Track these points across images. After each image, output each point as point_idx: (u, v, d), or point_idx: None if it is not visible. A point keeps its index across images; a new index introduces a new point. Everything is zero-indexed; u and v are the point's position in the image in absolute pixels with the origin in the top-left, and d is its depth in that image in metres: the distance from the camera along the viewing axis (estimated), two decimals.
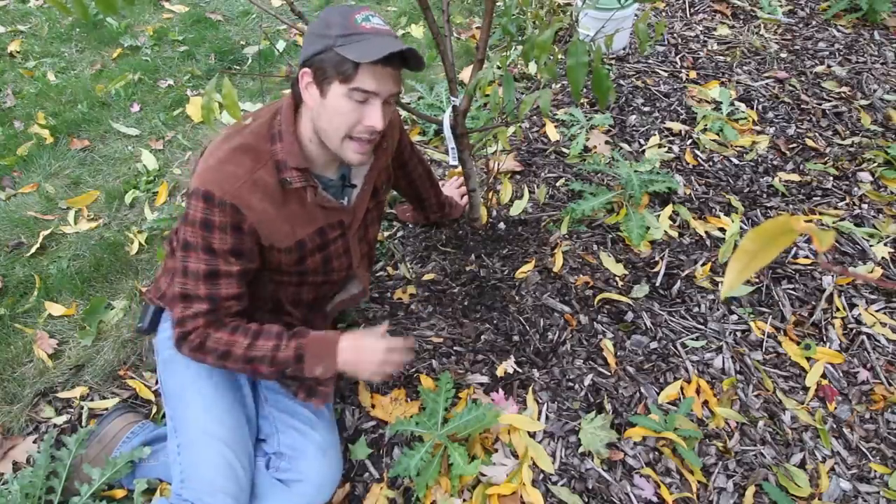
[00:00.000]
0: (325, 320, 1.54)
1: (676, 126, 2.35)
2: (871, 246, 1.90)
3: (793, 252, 1.90)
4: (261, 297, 1.37)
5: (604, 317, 1.74)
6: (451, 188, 2.03)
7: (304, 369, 1.23)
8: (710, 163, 2.22)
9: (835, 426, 1.52)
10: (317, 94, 1.13)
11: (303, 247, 1.27)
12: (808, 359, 1.64)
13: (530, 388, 1.58)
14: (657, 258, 1.88)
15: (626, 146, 2.29)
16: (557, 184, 2.15)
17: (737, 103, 2.44)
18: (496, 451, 1.46)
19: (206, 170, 1.16)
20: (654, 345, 1.67)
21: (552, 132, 2.36)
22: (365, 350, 1.25)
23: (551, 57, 1.25)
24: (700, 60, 2.70)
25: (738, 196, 2.08)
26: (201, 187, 1.14)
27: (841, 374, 1.62)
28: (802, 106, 2.44)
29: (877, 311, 1.75)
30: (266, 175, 1.18)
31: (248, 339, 1.22)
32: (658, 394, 1.57)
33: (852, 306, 1.76)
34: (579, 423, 1.50)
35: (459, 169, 1.87)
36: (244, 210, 1.15)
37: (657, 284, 1.81)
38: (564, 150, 2.28)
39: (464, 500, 1.39)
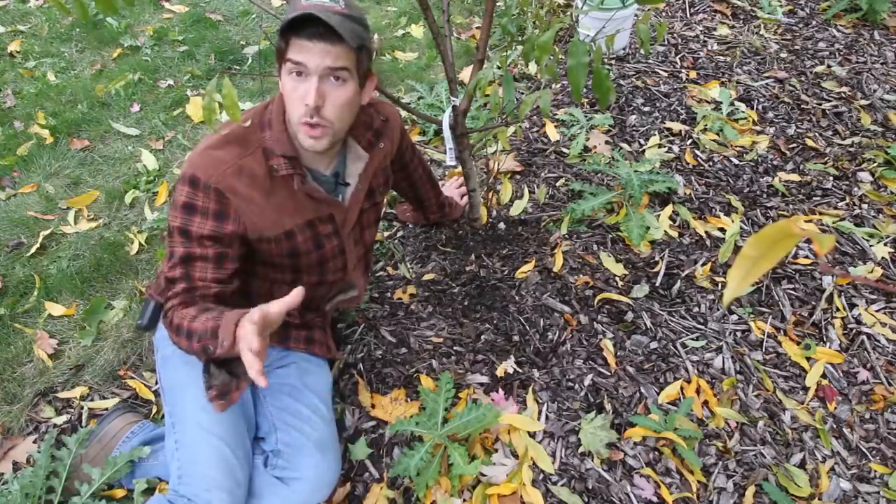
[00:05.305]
0: (324, 320, 1.54)
1: (676, 126, 2.35)
2: (871, 246, 1.90)
3: (793, 252, 1.90)
4: (257, 295, 1.38)
5: (604, 317, 1.74)
6: (451, 188, 2.02)
7: (216, 344, 1.10)
8: (710, 163, 2.22)
9: (835, 426, 1.52)
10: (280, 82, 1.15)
11: (292, 237, 1.27)
12: (808, 359, 1.64)
13: (530, 388, 1.58)
14: (657, 258, 1.88)
15: (626, 146, 2.29)
16: (557, 184, 2.15)
17: (737, 103, 2.44)
18: (496, 451, 1.46)
19: (194, 155, 1.18)
20: (654, 345, 1.67)
21: (552, 132, 2.36)
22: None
23: (551, 57, 1.25)
24: (700, 60, 2.71)
25: (738, 196, 2.08)
26: (188, 171, 1.16)
27: (841, 374, 1.62)
28: (802, 106, 2.44)
29: (877, 311, 1.75)
30: (253, 162, 1.18)
31: (196, 312, 1.15)
32: (658, 394, 1.57)
33: (852, 306, 1.76)
34: (579, 423, 1.50)
35: (459, 169, 1.87)
36: (229, 195, 1.15)
37: (657, 284, 1.81)
38: (564, 150, 2.28)
39: (464, 500, 1.39)
